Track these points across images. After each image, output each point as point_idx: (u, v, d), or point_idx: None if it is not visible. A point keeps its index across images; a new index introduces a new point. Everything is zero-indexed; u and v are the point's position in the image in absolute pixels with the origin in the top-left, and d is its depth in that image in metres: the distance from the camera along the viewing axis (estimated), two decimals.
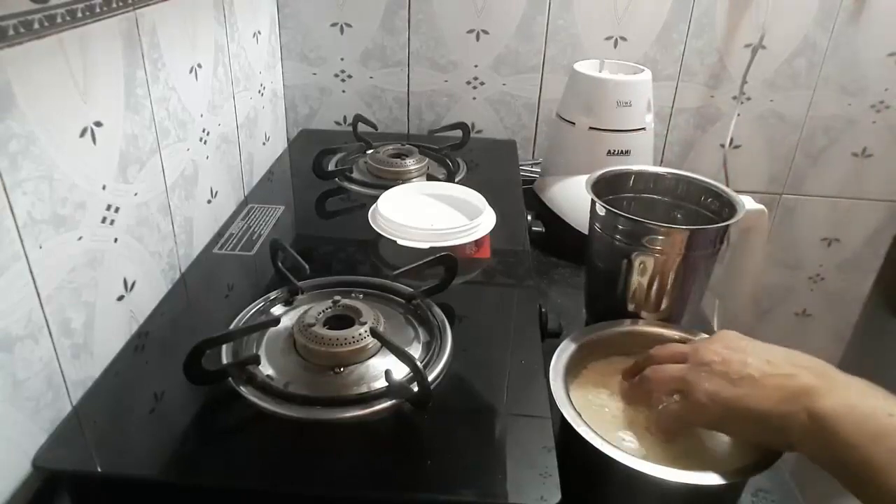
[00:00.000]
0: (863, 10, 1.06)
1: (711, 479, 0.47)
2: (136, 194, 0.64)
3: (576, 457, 0.50)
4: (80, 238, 0.56)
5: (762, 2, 1.06)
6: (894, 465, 0.39)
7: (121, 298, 0.62)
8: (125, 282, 0.63)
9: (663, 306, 0.67)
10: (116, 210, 0.61)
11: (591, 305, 0.75)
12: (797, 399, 0.44)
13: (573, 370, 0.58)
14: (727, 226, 0.64)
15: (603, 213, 0.67)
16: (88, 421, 0.52)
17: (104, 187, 0.59)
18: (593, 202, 0.67)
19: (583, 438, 0.49)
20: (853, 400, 0.43)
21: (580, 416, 0.52)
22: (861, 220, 1.23)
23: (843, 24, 1.07)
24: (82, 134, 0.55)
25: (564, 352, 0.59)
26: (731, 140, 1.16)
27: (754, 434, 0.48)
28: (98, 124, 0.57)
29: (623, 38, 1.10)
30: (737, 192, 0.67)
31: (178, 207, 0.74)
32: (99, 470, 0.47)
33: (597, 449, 0.48)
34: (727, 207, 0.67)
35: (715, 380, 0.49)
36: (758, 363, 0.48)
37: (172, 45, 0.70)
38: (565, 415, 0.51)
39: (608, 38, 1.10)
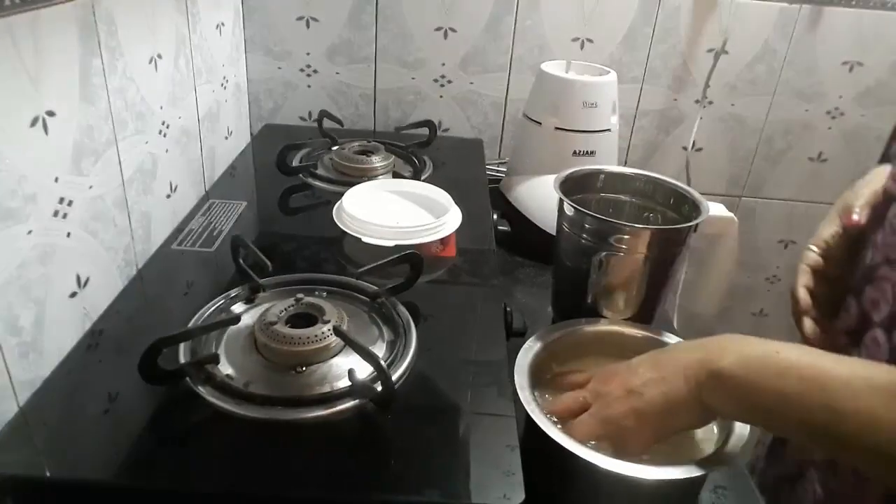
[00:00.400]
0: (819, 20, 1.09)
1: (671, 473, 0.48)
2: (90, 187, 0.62)
3: (540, 455, 0.50)
4: (29, 232, 0.53)
5: (725, 7, 1.08)
6: (807, 389, 0.42)
7: (73, 295, 0.60)
8: (78, 278, 0.61)
9: (629, 305, 0.68)
10: (69, 203, 0.59)
11: (558, 304, 0.76)
12: (701, 371, 0.46)
13: (538, 368, 0.58)
14: (690, 227, 0.65)
15: (571, 213, 0.67)
16: (37, 423, 0.50)
17: (56, 179, 0.56)
18: (561, 201, 0.68)
19: (547, 436, 0.49)
20: (745, 352, 0.45)
21: (544, 413, 0.52)
22: (816, 223, 1.26)
23: (802, 32, 1.10)
24: (33, 123, 0.53)
25: (529, 350, 0.59)
26: (694, 143, 1.18)
27: (688, 420, 0.49)
28: (50, 114, 0.55)
29: (589, 40, 1.11)
30: (700, 194, 0.69)
31: (135, 202, 0.71)
32: (48, 474, 0.45)
33: (560, 446, 0.49)
34: (694, 210, 0.67)
35: (624, 400, 0.50)
36: (648, 364, 0.51)
37: (131, 34, 0.68)
38: (530, 413, 0.51)
39: (575, 40, 1.11)
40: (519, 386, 0.54)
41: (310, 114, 1.17)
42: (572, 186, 0.71)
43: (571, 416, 0.53)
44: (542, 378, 0.59)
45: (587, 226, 0.66)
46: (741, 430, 0.51)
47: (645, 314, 0.69)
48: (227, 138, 1.03)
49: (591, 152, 0.92)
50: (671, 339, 0.62)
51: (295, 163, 0.93)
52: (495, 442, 0.50)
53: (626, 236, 0.64)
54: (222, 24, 0.98)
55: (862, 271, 0.58)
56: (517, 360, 0.57)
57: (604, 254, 0.65)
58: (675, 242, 0.66)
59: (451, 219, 0.78)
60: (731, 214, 0.68)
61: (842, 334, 0.58)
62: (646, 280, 0.67)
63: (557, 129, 0.92)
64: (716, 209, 0.67)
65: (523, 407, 0.52)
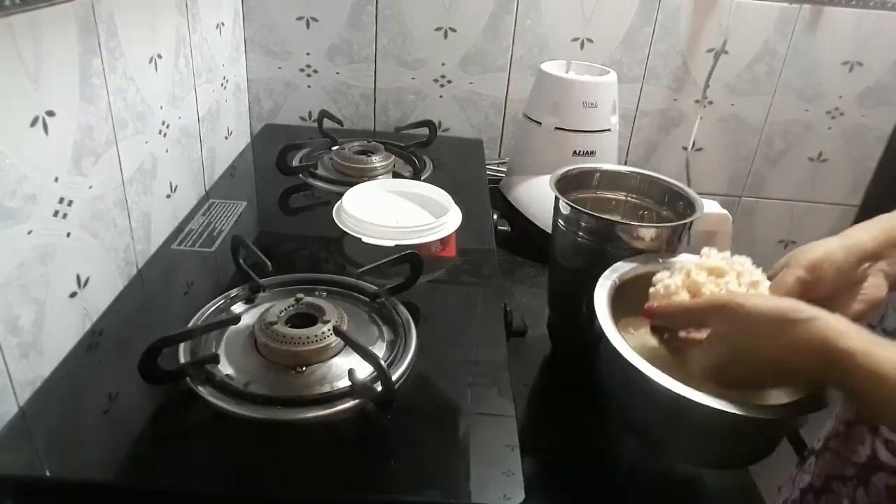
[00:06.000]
0: (819, 20, 1.09)
1: (754, 411, 0.46)
2: (90, 187, 0.62)
3: (622, 385, 0.49)
4: (29, 232, 0.53)
5: (725, 7, 1.08)
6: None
7: (73, 295, 0.60)
8: (78, 278, 0.61)
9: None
10: (69, 203, 0.59)
11: (555, 302, 0.76)
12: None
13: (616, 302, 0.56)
14: (684, 224, 0.65)
15: (567, 211, 0.67)
16: (37, 423, 0.50)
17: (56, 179, 0.56)
18: (557, 199, 0.68)
19: (630, 364, 0.47)
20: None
21: (624, 339, 0.50)
22: (816, 223, 1.26)
23: (801, 31, 1.10)
24: (33, 123, 0.53)
25: (608, 279, 0.57)
26: (694, 143, 1.18)
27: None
28: (50, 114, 0.55)
29: (589, 40, 1.11)
30: (699, 194, 0.69)
31: (135, 202, 0.71)
32: (48, 474, 0.45)
33: (640, 371, 0.47)
34: (689, 208, 0.68)
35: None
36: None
37: (131, 34, 0.68)
38: (609, 337, 0.49)
39: (575, 40, 1.11)
40: (601, 317, 0.52)
41: (310, 114, 1.16)
42: (568, 185, 0.71)
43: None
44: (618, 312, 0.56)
45: (582, 223, 0.66)
46: None
47: None
48: (227, 138, 1.03)
49: (591, 152, 0.92)
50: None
51: (295, 163, 0.93)
52: (495, 442, 0.50)
53: (622, 234, 0.64)
54: (222, 24, 0.98)
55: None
56: (595, 293, 0.55)
57: (599, 251, 0.65)
58: (671, 240, 0.66)
59: (451, 219, 0.78)
60: (725, 211, 0.67)
61: None
62: None
63: (557, 129, 0.92)
64: (710, 206, 0.67)
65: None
